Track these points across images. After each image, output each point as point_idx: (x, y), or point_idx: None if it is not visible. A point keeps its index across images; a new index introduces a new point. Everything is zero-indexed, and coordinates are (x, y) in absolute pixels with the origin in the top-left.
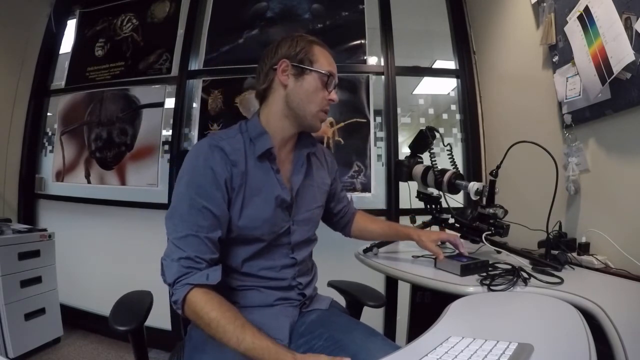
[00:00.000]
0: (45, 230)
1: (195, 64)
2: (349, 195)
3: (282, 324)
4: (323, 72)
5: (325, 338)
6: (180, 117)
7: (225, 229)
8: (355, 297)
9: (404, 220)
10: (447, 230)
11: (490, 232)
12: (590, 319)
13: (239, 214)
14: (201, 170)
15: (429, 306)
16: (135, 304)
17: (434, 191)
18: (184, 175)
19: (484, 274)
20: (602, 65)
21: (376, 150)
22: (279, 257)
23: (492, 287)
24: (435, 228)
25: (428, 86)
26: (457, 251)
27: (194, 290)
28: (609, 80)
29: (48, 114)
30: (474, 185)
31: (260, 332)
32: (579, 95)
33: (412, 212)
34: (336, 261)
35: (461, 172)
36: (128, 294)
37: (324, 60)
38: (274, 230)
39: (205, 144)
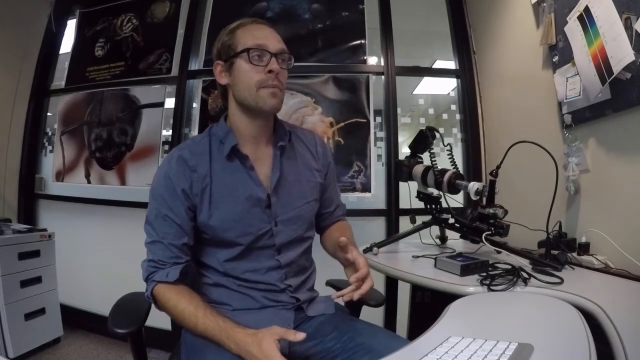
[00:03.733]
0: (45, 230)
1: (195, 64)
2: (347, 195)
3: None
4: (247, 48)
5: (344, 340)
6: (180, 117)
7: (191, 235)
8: None
9: (404, 220)
10: (447, 231)
11: (490, 232)
12: (590, 319)
13: (207, 216)
14: (162, 181)
15: (429, 306)
16: (134, 306)
17: (434, 191)
18: (151, 186)
19: (484, 274)
20: (602, 65)
21: (376, 150)
22: (263, 259)
23: (492, 287)
24: (435, 228)
25: (428, 86)
26: (457, 251)
27: (158, 286)
28: (609, 80)
29: (48, 114)
30: (474, 185)
31: (212, 311)
32: (579, 95)
33: (412, 212)
34: (336, 261)
35: (461, 172)
36: (126, 296)
37: (246, 38)
38: (250, 232)
39: (169, 155)
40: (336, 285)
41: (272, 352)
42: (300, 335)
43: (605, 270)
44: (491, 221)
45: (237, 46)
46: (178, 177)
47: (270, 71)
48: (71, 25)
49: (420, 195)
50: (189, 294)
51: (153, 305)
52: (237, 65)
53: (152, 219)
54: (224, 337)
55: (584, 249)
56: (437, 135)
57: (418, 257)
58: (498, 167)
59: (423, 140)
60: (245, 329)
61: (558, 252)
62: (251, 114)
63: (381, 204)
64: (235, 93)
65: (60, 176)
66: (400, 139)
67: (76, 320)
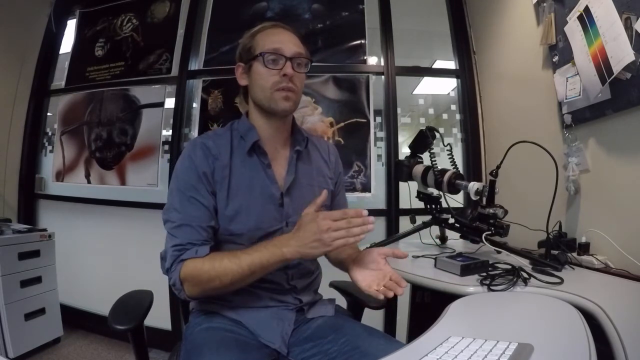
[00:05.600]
0: (45, 230)
1: (195, 64)
2: (347, 195)
3: (274, 327)
4: (263, 52)
5: (341, 343)
6: (180, 117)
7: (216, 218)
8: (357, 298)
9: (404, 220)
10: (447, 231)
11: (490, 232)
12: (590, 319)
13: (224, 206)
14: (186, 165)
15: (429, 306)
16: (134, 303)
17: (434, 191)
18: (175, 170)
19: (484, 274)
20: (602, 65)
21: (376, 150)
22: None
23: (492, 287)
24: (435, 228)
25: (428, 86)
26: (457, 251)
27: (186, 262)
28: (609, 80)
29: (48, 114)
30: (474, 185)
31: (249, 248)
32: (579, 95)
33: (412, 212)
34: None
35: (461, 172)
36: (128, 293)
37: (263, 42)
38: (261, 227)
39: (192, 141)
40: (340, 287)
41: (313, 216)
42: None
43: (605, 270)
44: (491, 221)
45: (256, 49)
46: (201, 161)
47: (284, 75)
48: (71, 25)
49: (420, 195)
50: (219, 252)
51: (179, 294)
52: (255, 67)
53: (176, 202)
54: (270, 252)
55: (584, 249)
56: (437, 135)
57: (418, 257)
58: (498, 167)
59: (423, 140)
60: (281, 235)
61: (558, 252)
62: (266, 114)
63: (381, 204)
64: (252, 94)
65: (60, 176)
66: (400, 139)
67: (76, 320)
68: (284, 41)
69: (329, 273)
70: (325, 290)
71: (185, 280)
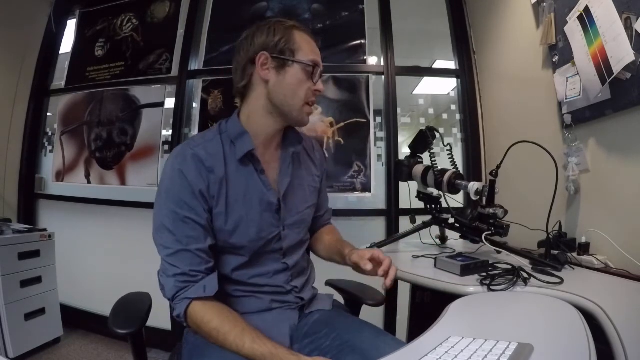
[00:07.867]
0: (45, 230)
1: (195, 64)
2: (347, 195)
3: (281, 328)
4: (306, 62)
5: (332, 338)
6: (180, 117)
7: (213, 235)
8: (354, 296)
9: (404, 220)
10: (447, 231)
11: (490, 232)
12: (590, 319)
13: (224, 221)
14: (177, 180)
15: (429, 306)
16: (135, 306)
17: (434, 191)
18: (162, 186)
19: (484, 274)
20: (602, 65)
21: (376, 150)
22: (270, 263)
23: (492, 287)
24: (435, 228)
25: (428, 86)
26: (457, 251)
27: (193, 304)
28: (609, 80)
29: (48, 114)
30: (474, 185)
31: (260, 336)
32: (579, 95)
33: (412, 212)
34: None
35: (461, 172)
36: (127, 295)
37: (307, 48)
38: (262, 237)
39: (180, 151)
40: (336, 285)
41: None
42: None
43: (605, 270)
44: (491, 221)
45: (298, 51)
46: (195, 177)
47: (317, 91)
48: (71, 25)
49: (420, 195)
50: (230, 314)
51: (179, 322)
52: (292, 71)
53: (169, 223)
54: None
55: (584, 249)
56: (437, 135)
57: (418, 257)
58: (498, 167)
59: (423, 140)
60: (299, 356)
61: (558, 252)
62: (280, 119)
63: (381, 204)
64: (274, 94)
65: (60, 176)
66: (400, 139)
67: (76, 320)
68: (318, 53)
69: (326, 272)
70: (323, 290)
71: (189, 320)
